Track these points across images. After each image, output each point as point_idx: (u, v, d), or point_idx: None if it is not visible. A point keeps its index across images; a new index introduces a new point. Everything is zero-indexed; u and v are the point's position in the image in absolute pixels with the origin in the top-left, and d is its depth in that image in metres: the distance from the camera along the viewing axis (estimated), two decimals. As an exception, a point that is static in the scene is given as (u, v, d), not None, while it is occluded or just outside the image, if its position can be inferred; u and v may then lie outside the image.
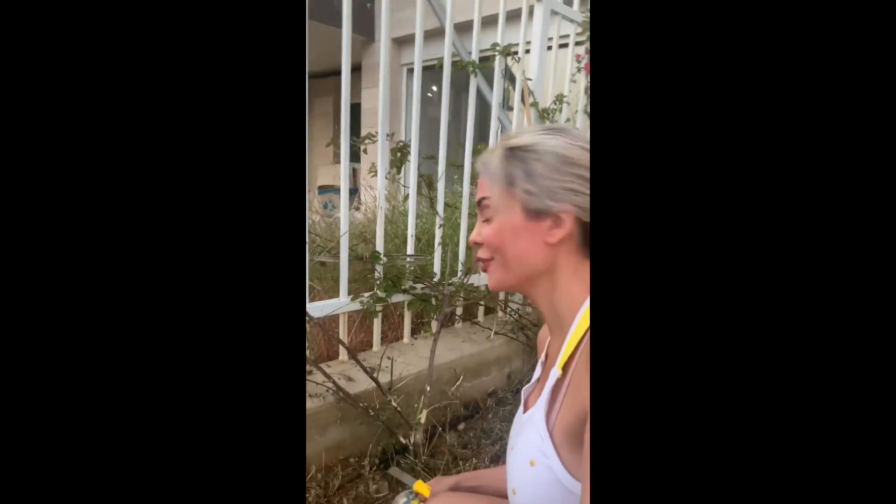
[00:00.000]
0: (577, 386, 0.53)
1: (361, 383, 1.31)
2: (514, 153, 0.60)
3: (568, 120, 2.04)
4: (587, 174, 0.58)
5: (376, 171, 1.41)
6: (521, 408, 0.69)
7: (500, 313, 1.90)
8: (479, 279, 1.76)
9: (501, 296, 1.89)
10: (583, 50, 2.03)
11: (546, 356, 0.69)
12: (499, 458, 1.36)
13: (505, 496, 0.75)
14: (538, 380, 0.69)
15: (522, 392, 0.71)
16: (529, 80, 1.80)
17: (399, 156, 1.53)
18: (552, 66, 1.89)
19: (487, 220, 0.62)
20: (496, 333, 1.75)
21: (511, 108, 1.94)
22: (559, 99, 1.97)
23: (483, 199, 0.63)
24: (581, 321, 0.57)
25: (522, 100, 1.78)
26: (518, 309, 1.87)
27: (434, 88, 4.62)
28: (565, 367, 0.56)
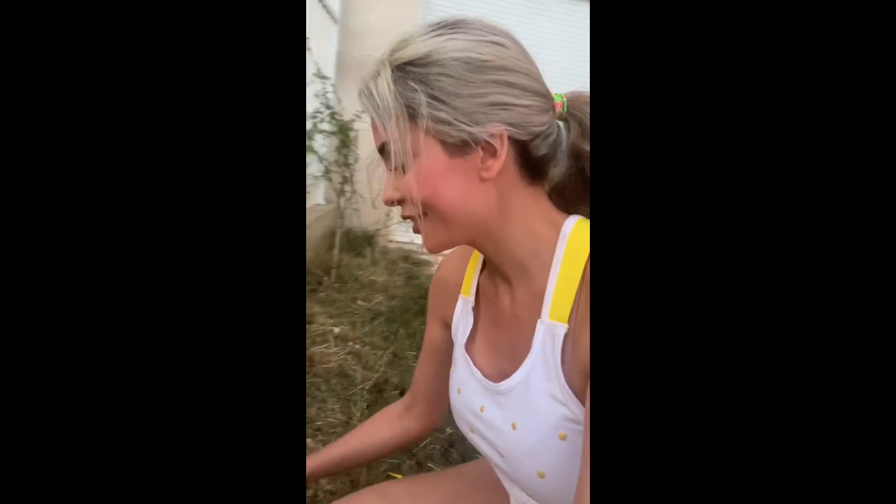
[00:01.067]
0: (581, 338, 0.46)
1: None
2: (407, 72, 0.45)
3: None
4: (511, 77, 0.45)
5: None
6: (474, 371, 0.55)
7: None
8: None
9: None
10: None
11: (485, 304, 0.57)
12: None
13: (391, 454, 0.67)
14: (477, 334, 0.58)
15: (463, 351, 0.57)
16: None
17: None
18: None
19: (398, 170, 0.46)
20: None
21: None
22: None
23: (382, 145, 0.47)
24: (566, 262, 0.47)
25: None
26: None
27: None
28: (569, 319, 0.47)
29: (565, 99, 0.51)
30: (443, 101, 0.44)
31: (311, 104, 2.32)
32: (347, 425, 1.30)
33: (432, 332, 0.67)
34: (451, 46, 0.44)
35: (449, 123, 0.44)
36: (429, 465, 1.22)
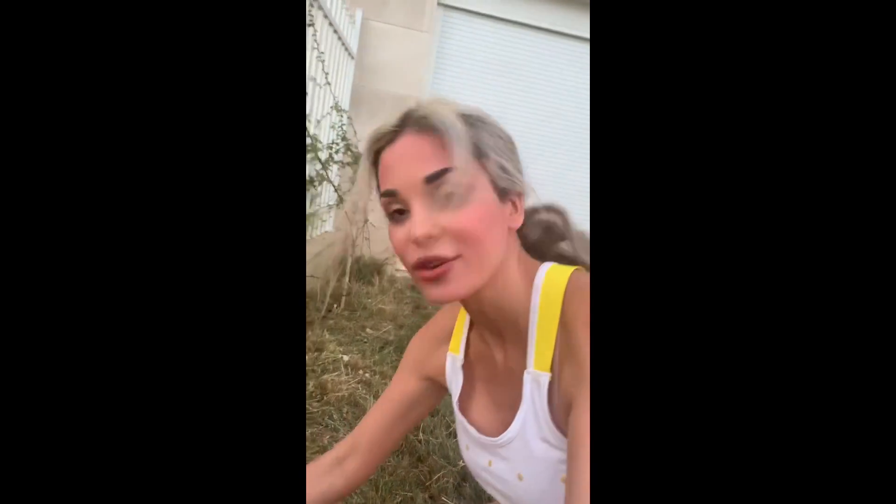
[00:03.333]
0: (564, 382, 0.48)
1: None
2: (471, 120, 0.47)
3: None
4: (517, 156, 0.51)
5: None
6: (469, 429, 0.57)
7: None
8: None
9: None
10: None
11: (477, 362, 0.58)
12: None
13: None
14: (473, 391, 0.58)
15: (457, 411, 0.59)
16: None
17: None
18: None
19: (449, 203, 0.45)
20: None
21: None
22: None
23: (443, 171, 0.44)
24: (542, 311, 0.49)
25: None
26: None
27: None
28: (552, 367, 0.49)
29: None
30: (500, 151, 0.48)
31: (329, 135, 2.39)
32: (359, 455, 1.30)
33: (407, 385, 0.65)
34: (490, 119, 0.50)
35: (505, 170, 0.48)
36: (443, 498, 1.22)
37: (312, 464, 0.68)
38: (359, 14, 2.97)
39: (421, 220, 0.45)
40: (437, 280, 0.45)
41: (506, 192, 0.48)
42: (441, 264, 0.45)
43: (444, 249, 0.45)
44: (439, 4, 3.27)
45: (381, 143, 0.48)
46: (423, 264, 0.45)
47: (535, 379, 0.49)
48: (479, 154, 0.46)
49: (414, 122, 0.46)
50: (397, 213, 0.47)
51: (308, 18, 2.00)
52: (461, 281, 0.45)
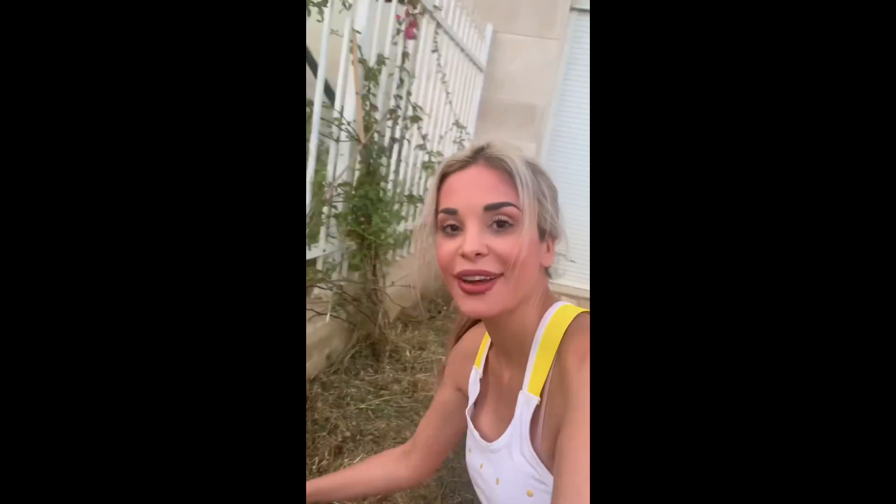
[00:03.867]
0: (552, 408, 0.55)
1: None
2: (534, 168, 0.57)
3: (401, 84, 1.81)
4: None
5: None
6: (474, 433, 0.67)
7: (317, 289, 1.69)
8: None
9: (320, 265, 1.67)
10: (403, 12, 1.79)
11: (491, 376, 0.67)
12: (343, 450, 1.30)
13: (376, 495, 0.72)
14: (484, 402, 0.68)
15: (468, 417, 0.68)
16: (358, 33, 1.58)
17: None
18: (378, 20, 1.69)
19: (502, 230, 0.54)
20: (318, 314, 1.57)
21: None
22: (381, 60, 1.72)
23: (504, 204, 0.53)
24: (543, 342, 0.57)
25: (351, 52, 1.56)
26: (339, 282, 1.69)
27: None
28: (542, 392, 0.56)
29: None
30: (549, 198, 0.57)
31: (449, 149, 2.57)
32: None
33: (445, 393, 0.77)
34: (545, 170, 0.59)
35: (549, 214, 0.57)
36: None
37: (383, 453, 0.86)
38: (489, 29, 3.08)
39: (473, 238, 0.53)
40: (475, 295, 0.53)
41: (545, 233, 0.57)
42: (483, 281, 0.53)
43: (489, 266, 0.53)
44: (572, 9, 3.20)
45: (451, 169, 0.57)
46: (466, 276, 0.53)
47: (527, 400, 0.58)
48: (538, 197, 0.55)
49: (485, 158, 0.55)
50: (451, 228, 0.56)
51: (433, 45, 2.18)
52: (497, 299, 0.53)
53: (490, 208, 0.53)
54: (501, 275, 0.53)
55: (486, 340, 0.71)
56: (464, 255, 0.53)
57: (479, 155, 0.56)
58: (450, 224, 0.56)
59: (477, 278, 0.53)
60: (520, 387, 0.59)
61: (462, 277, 0.54)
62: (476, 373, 0.70)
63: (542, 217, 0.55)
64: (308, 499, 0.75)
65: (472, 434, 0.68)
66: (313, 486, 0.77)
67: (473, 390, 0.70)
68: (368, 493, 0.87)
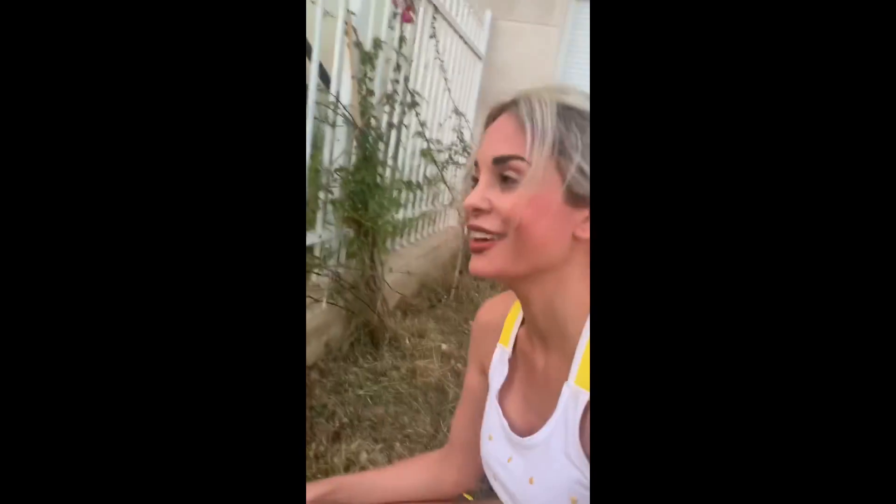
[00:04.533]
0: None
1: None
2: (572, 115, 0.47)
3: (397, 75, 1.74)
4: None
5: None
6: (503, 421, 0.58)
7: (314, 276, 1.65)
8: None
9: (317, 252, 1.63)
10: None
11: (521, 358, 0.59)
12: (340, 436, 1.25)
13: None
14: (511, 386, 0.59)
15: (496, 401, 0.59)
16: (353, 14, 1.54)
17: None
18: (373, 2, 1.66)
19: (507, 186, 0.47)
20: (315, 300, 1.54)
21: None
22: (377, 43, 1.67)
23: (511, 157, 0.47)
24: None
25: (347, 35, 1.53)
26: (336, 269, 1.66)
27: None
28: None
29: None
30: (586, 154, 0.46)
31: (448, 137, 2.55)
32: (434, 438, 1.43)
33: (471, 378, 0.68)
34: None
35: (586, 177, 0.46)
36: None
37: (420, 456, 0.78)
38: (487, 16, 3.05)
39: (476, 191, 0.48)
40: (477, 252, 0.49)
41: (579, 199, 0.47)
42: (484, 240, 0.48)
43: (489, 224, 0.48)
44: (572, -5, 3.18)
45: (492, 114, 0.52)
46: (472, 232, 0.49)
47: (574, 395, 0.49)
48: (560, 153, 0.46)
49: (514, 105, 0.49)
50: (473, 180, 0.51)
51: (431, 30, 2.16)
52: (496, 259, 0.48)
53: (498, 161, 0.48)
54: (505, 235, 0.48)
55: (516, 314, 0.62)
56: (467, 209, 0.49)
57: (513, 101, 0.50)
58: (473, 176, 0.51)
59: (478, 235, 0.49)
60: (561, 377, 0.51)
61: (471, 233, 0.50)
62: (503, 351, 0.61)
63: (570, 177, 0.46)
64: (329, 496, 0.66)
65: (500, 421, 0.59)
66: (336, 482, 0.69)
67: (500, 370, 0.61)
68: (413, 496, 0.71)
